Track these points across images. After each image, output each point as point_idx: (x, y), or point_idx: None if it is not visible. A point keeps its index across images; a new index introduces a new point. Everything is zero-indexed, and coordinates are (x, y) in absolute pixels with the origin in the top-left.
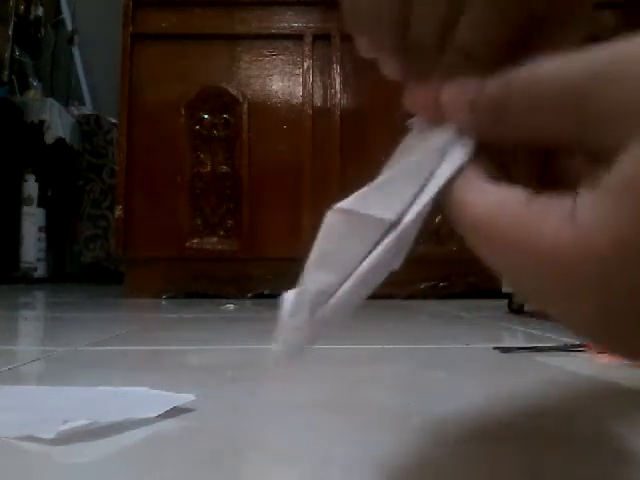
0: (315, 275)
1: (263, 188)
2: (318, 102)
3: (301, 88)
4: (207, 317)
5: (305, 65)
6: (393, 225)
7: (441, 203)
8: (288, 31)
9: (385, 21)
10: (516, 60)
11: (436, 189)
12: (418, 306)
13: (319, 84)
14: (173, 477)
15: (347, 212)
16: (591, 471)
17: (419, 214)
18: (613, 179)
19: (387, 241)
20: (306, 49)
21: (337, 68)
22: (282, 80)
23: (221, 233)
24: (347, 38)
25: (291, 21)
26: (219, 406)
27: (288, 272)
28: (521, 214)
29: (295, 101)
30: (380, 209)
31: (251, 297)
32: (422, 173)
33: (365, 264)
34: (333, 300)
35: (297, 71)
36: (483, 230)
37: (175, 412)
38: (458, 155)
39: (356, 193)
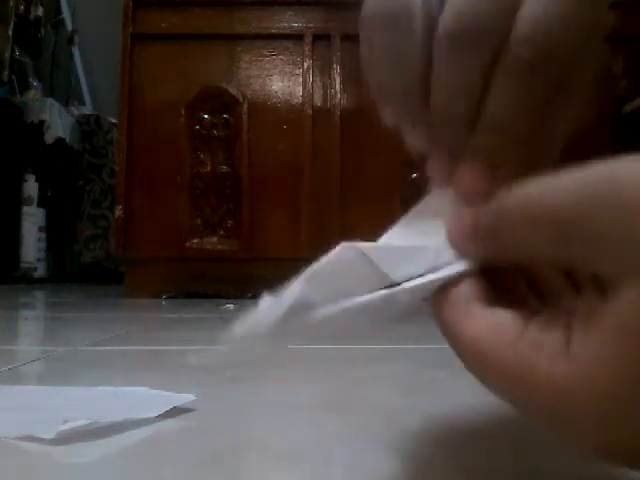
0: (303, 287)
1: (263, 188)
2: (318, 102)
3: (301, 88)
4: (207, 317)
5: (305, 65)
6: (392, 286)
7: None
8: (288, 31)
9: (411, 96)
10: (541, 128)
11: (435, 279)
12: (418, 306)
13: (319, 84)
14: (173, 477)
15: (359, 252)
16: (591, 470)
17: (415, 290)
18: (608, 320)
19: (380, 293)
20: (306, 49)
21: (337, 68)
22: (282, 80)
23: (221, 233)
24: (347, 38)
25: (291, 21)
26: (219, 406)
27: (288, 272)
28: (514, 343)
29: (295, 101)
30: (389, 268)
31: (251, 297)
32: (431, 258)
33: (351, 303)
34: (306, 317)
35: (297, 71)
36: (475, 355)
37: (175, 412)
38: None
39: (373, 243)
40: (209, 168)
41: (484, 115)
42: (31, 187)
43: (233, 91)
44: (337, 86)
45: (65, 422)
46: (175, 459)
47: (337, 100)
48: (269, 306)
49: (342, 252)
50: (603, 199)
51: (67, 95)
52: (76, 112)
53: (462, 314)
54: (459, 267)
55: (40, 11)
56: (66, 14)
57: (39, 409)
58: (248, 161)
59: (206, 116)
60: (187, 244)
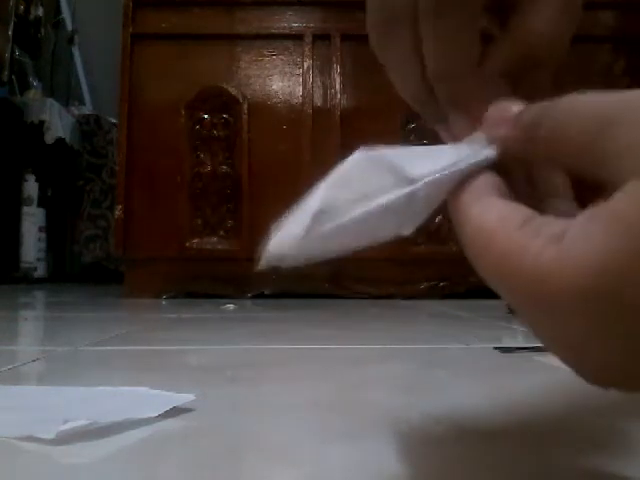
0: (324, 194)
1: (263, 188)
2: (318, 102)
3: (301, 88)
4: (207, 317)
5: (305, 65)
6: (412, 182)
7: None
8: (288, 31)
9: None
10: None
11: (457, 169)
12: (418, 306)
13: (319, 84)
14: (173, 477)
15: (377, 154)
16: (591, 470)
17: (436, 183)
18: (604, 210)
19: (402, 191)
20: (306, 49)
21: (337, 68)
22: (282, 80)
23: (221, 233)
24: (347, 38)
25: (291, 21)
26: (219, 406)
27: (288, 272)
28: (516, 231)
29: (295, 101)
30: (408, 166)
31: (251, 297)
32: (450, 157)
33: (374, 204)
34: (333, 224)
35: (297, 71)
36: (480, 241)
37: (175, 412)
38: (482, 155)
39: (389, 148)
40: (209, 168)
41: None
42: (31, 187)
43: (233, 91)
44: (337, 86)
45: (65, 422)
46: (175, 459)
47: (337, 100)
48: (293, 219)
49: (359, 156)
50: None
51: (67, 95)
52: (76, 112)
53: (475, 200)
54: (480, 158)
55: (40, 11)
56: (66, 14)
57: (39, 409)
58: (248, 161)
59: (206, 116)
60: (187, 244)
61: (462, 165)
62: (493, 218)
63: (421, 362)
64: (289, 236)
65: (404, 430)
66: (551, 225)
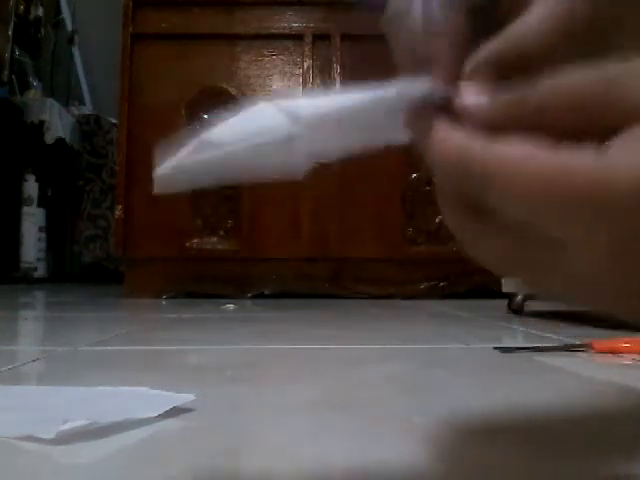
0: (217, 128)
1: (263, 188)
2: None
3: (301, 88)
4: (207, 317)
5: (305, 65)
6: (297, 121)
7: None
8: (288, 31)
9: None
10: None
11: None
12: (418, 306)
13: (319, 84)
14: (173, 477)
15: (283, 102)
16: (591, 470)
17: (320, 120)
18: None
19: (283, 128)
20: (306, 49)
21: (337, 68)
22: (282, 80)
23: (221, 233)
24: (347, 38)
25: (291, 21)
26: (219, 406)
27: (288, 272)
28: (552, 153)
29: None
30: (303, 107)
31: (251, 297)
32: (362, 94)
33: (253, 140)
34: (211, 152)
35: (297, 71)
36: (453, 156)
37: (175, 412)
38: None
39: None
40: None
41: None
42: (31, 187)
43: (233, 91)
44: (337, 86)
45: (65, 422)
46: (175, 459)
47: None
48: (183, 147)
49: (264, 105)
50: None
51: (67, 95)
52: (76, 112)
53: (499, 142)
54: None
55: (40, 11)
56: (66, 14)
57: (39, 409)
58: None
59: (206, 116)
60: (187, 244)
61: (370, 97)
62: (522, 150)
63: (421, 362)
64: (175, 159)
65: (404, 430)
66: (587, 147)
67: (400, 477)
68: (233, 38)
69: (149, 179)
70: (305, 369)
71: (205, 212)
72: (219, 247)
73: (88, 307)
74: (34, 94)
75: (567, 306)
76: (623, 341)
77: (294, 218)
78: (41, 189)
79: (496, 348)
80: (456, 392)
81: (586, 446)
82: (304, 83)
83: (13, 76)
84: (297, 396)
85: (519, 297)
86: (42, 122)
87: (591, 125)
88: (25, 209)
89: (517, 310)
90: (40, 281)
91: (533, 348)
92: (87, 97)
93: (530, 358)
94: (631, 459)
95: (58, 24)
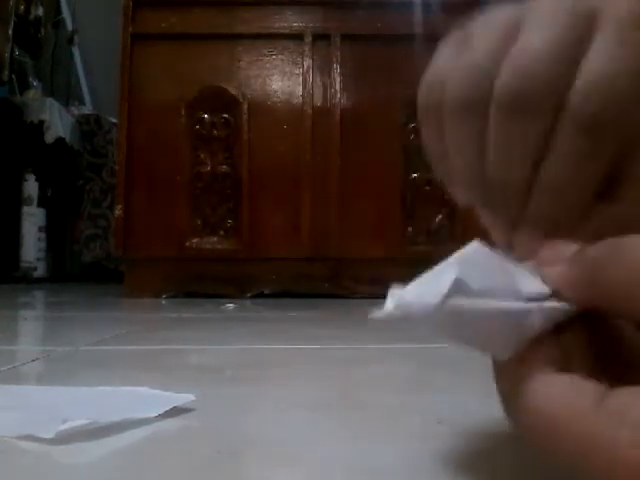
0: (459, 269)
1: (263, 188)
2: (318, 102)
3: (301, 88)
4: (207, 317)
5: (305, 65)
6: (523, 299)
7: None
8: (288, 31)
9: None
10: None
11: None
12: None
13: (319, 84)
14: (173, 477)
15: (498, 255)
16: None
17: (548, 312)
18: None
19: (520, 305)
20: (306, 49)
21: (337, 68)
22: (282, 80)
23: (221, 233)
24: (347, 38)
25: (291, 21)
26: (219, 406)
27: (288, 272)
28: (591, 412)
29: (295, 101)
30: (520, 280)
31: (251, 297)
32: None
33: (495, 304)
34: (466, 301)
35: (297, 71)
36: (545, 423)
37: (175, 412)
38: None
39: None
40: (209, 168)
41: (543, 180)
42: (31, 187)
43: (233, 91)
44: (337, 86)
45: (65, 422)
46: (175, 459)
47: (337, 100)
48: (422, 284)
49: (481, 248)
50: None
51: (67, 95)
52: (76, 112)
53: (537, 381)
54: (557, 307)
55: (40, 11)
56: (66, 14)
57: (39, 408)
58: (248, 161)
59: (206, 116)
60: (187, 244)
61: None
62: (558, 398)
63: (421, 362)
64: (420, 299)
65: (404, 430)
66: (635, 403)
67: (400, 477)
68: (233, 38)
69: (149, 179)
70: (305, 369)
71: (205, 212)
72: (219, 247)
73: (88, 307)
74: (34, 94)
75: None
76: None
77: (294, 218)
78: (41, 189)
79: None
80: (456, 392)
81: None
82: (304, 83)
83: (13, 76)
84: (297, 396)
85: None
86: (42, 122)
87: None
88: (25, 209)
89: None
90: (40, 281)
91: None
92: (87, 97)
93: None
94: None
95: (58, 24)
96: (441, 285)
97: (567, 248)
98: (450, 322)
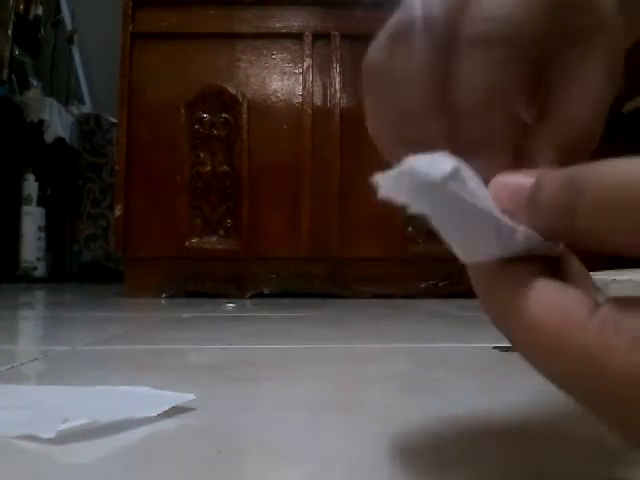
0: (457, 161)
1: (263, 188)
2: (318, 102)
3: (301, 88)
4: (207, 316)
5: (305, 64)
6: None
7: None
8: (288, 30)
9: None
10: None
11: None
12: (418, 305)
13: (319, 84)
14: (173, 477)
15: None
16: (590, 470)
17: (530, 236)
18: None
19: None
20: (306, 48)
21: (337, 67)
22: (282, 79)
23: (221, 232)
24: (347, 37)
25: (291, 20)
26: (219, 406)
27: (288, 272)
28: (586, 323)
29: (295, 101)
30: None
31: (251, 297)
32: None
33: (482, 200)
34: (465, 188)
35: (297, 70)
36: (539, 335)
37: (175, 412)
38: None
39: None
40: (209, 167)
41: (463, 101)
42: (31, 186)
43: (233, 91)
44: (337, 85)
45: (65, 421)
46: (175, 459)
47: (337, 99)
48: (426, 163)
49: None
50: None
51: (67, 94)
52: (76, 111)
53: (524, 288)
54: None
55: (40, 10)
56: (66, 13)
57: (39, 408)
58: (248, 160)
59: (206, 116)
60: (187, 243)
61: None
62: (551, 310)
63: (421, 362)
64: (429, 170)
65: (404, 430)
66: (630, 314)
67: (400, 477)
68: (233, 37)
69: (149, 179)
70: (305, 369)
71: (205, 212)
72: (219, 246)
73: (88, 306)
74: (34, 93)
75: None
76: None
77: (294, 218)
78: (41, 188)
79: (496, 347)
80: (456, 392)
81: (586, 448)
82: (304, 82)
83: (13, 75)
84: (297, 395)
85: None
86: (42, 121)
87: None
88: (25, 208)
89: None
90: (40, 280)
91: None
92: (87, 96)
93: None
94: (631, 463)
95: (58, 23)
96: (443, 167)
97: (522, 179)
98: (447, 204)
